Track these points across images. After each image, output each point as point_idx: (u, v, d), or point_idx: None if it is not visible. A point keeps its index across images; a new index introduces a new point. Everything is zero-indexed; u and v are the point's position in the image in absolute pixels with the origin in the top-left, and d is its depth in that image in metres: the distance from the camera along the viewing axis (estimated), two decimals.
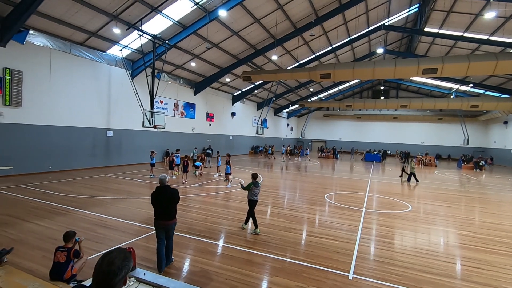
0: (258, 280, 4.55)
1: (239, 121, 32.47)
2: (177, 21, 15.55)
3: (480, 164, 26.23)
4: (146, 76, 16.19)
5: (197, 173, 15.23)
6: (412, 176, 16.33)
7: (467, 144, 32.48)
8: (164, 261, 4.63)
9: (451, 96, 31.91)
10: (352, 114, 44.71)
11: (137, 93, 15.93)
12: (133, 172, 15.82)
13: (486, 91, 28.43)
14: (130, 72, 17.55)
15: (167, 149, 20.49)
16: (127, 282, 2.34)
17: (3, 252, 4.36)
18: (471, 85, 27.40)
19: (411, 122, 42.18)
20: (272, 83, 28.27)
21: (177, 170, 15.41)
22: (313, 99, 40.48)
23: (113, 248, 1.56)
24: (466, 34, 19.11)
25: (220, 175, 15.34)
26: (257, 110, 36.23)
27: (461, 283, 4.69)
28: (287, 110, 44.61)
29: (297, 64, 25.87)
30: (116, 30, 14.59)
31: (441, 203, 11.08)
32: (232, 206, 9.27)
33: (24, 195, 9.45)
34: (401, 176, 17.95)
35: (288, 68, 25.65)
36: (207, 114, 26.71)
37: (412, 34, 24.05)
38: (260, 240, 6.25)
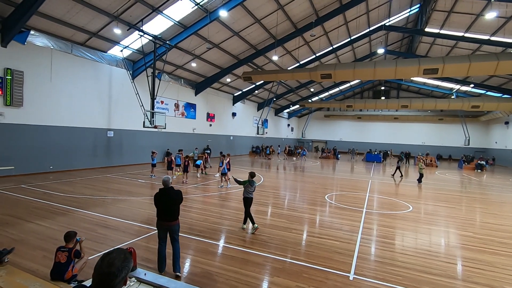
0: (258, 281, 4.55)
1: (240, 122, 32.48)
2: (177, 22, 15.57)
3: (482, 164, 26.17)
4: (147, 77, 16.21)
5: (200, 174, 15.20)
6: (419, 177, 16.20)
7: (468, 144, 32.45)
8: (164, 262, 4.59)
9: (452, 97, 31.87)
10: (353, 115, 44.67)
11: (137, 93, 15.95)
12: (133, 172, 15.83)
13: (487, 91, 28.39)
14: (131, 72, 17.57)
15: (168, 149, 20.51)
16: (128, 282, 2.35)
17: (4, 252, 4.36)
18: (472, 85, 27.37)
19: (412, 123, 42.13)
20: (273, 84, 28.27)
21: (178, 171, 15.44)
22: (313, 99, 40.47)
23: (113, 248, 1.55)
24: (467, 35, 19.09)
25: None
26: (258, 110, 36.24)
27: (462, 284, 4.68)
28: (287, 110, 44.61)
29: (298, 64, 25.87)
30: (117, 31, 14.61)
31: (442, 204, 11.06)
32: (232, 207, 9.27)
33: (25, 195, 9.47)
34: (393, 175, 18.18)
35: (289, 68, 25.66)
36: (208, 114, 26.72)
37: (412, 35, 24.02)
38: (261, 240, 6.25)
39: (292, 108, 43.95)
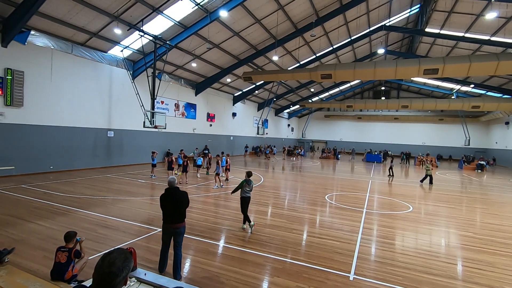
0: (259, 281, 4.55)
1: (240, 122, 32.49)
2: (178, 22, 15.58)
3: (482, 164, 26.15)
4: (147, 77, 16.23)
5: (200, 174, 15.19)
6: (423, 177, 16.09)
7: (468, 144, 32.42)
8: (165, 266, 4.56)
9: (452, 97, 31.86)
10: (353, 115, 44.68)
11: (138, 93, 15.96)
12: (134, 172, 15.84)
13: (487, 91, 28.38)
14: (131, 72, 17.58)
15: (169, 149, 20.52)
16: (128, 282, 2.35)
17: (4, 252, 4.37)
18: (472, 85, 27.36)
19: (412, 123, 42.13)
20: (273, 84, 28.28)
21: (179, 170, 15.45)
22: (314, 99, 40.48)
23: (114, 248, 1.55)
24: (467, 35, 19.09)
25: (222, 176, 15.30)
26: (258, 110, 36.25)
27: (462, 284, 4.68)
28: (288, 110, 44.61)
29: (298, 64, 25.88)
30: (117, 31, 14.62)
31: (442, 204, 11.05)
32: (232, 207, 9.26)
33: (26, 195, 9.47)
34: (390, 175, 18.19)
35: (289, 68, 25.66)
36: (208, 114, 26.73)
37: (413, 35, 24.03)
38: (261, 240, 6.25)
39: (292, 108, 43.96)
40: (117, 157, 17.80)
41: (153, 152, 14.95)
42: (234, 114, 30.99)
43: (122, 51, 16.35)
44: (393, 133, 43.68)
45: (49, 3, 11.73)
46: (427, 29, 20.21)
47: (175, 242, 4.55)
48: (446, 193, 13.55)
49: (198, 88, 24.50)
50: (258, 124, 28.83)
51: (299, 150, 35.29)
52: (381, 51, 25.83)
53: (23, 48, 12.78)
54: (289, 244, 6.11)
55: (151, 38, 15.16)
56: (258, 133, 28.45)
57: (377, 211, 9.43)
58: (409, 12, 21.23)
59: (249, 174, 7.17)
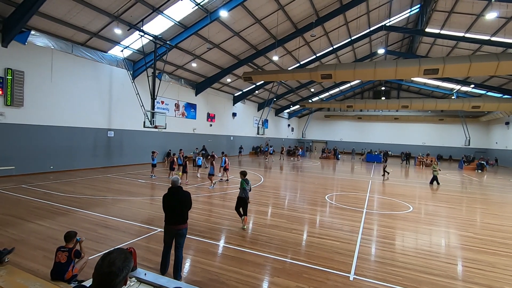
0: (259, 281, 4.55)
1: (240, 122, 32.49)
2: (178, 22, 15.58)
3: (482, 164, 26.15)
4: (147, 77, 16.23)
5: (200, 174, 15.19)
6: (432, 179, 16.00)
7: (469, 145, 32.41)
8: (167, 267, 4.54)
9: (453, 97, 31.85)
10: (353, 115, 44.67)
11: (138, 93, 15.96)
12: (134, 172, 15.84)
13: (487, 91, 28.38)
14: (131, 72, 17.59)
15: (170, 150, 20.53)
16: (128, 282, 2.35)
17: (4, 252, 4.37)
18: (472, 85, 27.36)
19: (412, 123, 42.12)
20: (273, 84, 28.27)
21: (179, 170, 15.45)
22: (314, 99, 40.47)
23: (114, 248, 1.55)
24: (467, 35, 19.09)
25: (218, 175, 15.31)
26: (258, 110, 36.25)
27: (462, 284, 4.67)
28: (288, 110, 44.62)
29: (298, 64, 25.88)
30: (118, 31, 14.63)
31: (442, 204, 11.05)
32: (232, 207, 9.23)
33: (26, 195, 9.48)
34: (383, 175, 18.37)
35: (289, 68, 25.66)
36: (208, 114, 26.73)
37: (413, 35, 24.01)
38: (261, 240, 6.25)
39: (293, 108, 43.96)
40: (117, 157, 17.81)
41: (153, 152, 14.95)
42: (234, 114, 30.99)
43: (122, 51, 16.36)
44: (393, 133, 43.68)
45: (49, 3, 11.73)
46: (427, 29, 20.20)
47: (177, 243, 4.51)
48: (446, 193, 13.54)
49: (198, 88, 24.51)
50: (258, 124, 28.82)
51: (299, 151, 35.23)
52: (381, 51, 25.83)
53: (23, 48, 12.79)
54: (289, 244, 6.11)
55: (151, 38, 15.16)
56: (258, 133, 28.43)
57: (377, 211, 9.43)
58: (409, 12, 21.23)
59: (244, 173, 7.23)
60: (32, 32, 12.96)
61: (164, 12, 14.46)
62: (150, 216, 7.70)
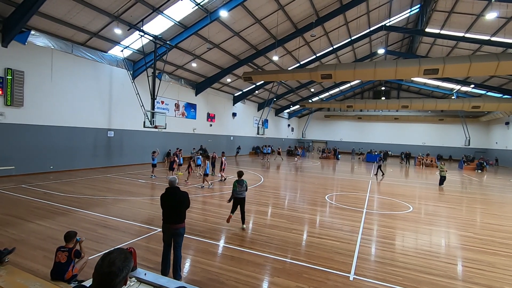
0: (259, 281, 4.55)
1: (240, 122, 32.48)
2: (178, 22, 15.58)
3: (482, 164, 26.16)
4: (147, 77, 16.23)
5: (199, 173, 15.19)
6: (440, 180, 15.77)
7: (469, 145, 32.41)
8: (168, 267, 4.53)
9: (453, 97, 31.86)
10: (353, 115, 44.68)
11: (138, 93, 15.96)
12: (134, 172, 15.84)
13: (487, 91, 28.38)
14: (131, 72, 17.59)
15: (170, 150, 20.52)
16: (128, 282, 2.35)
17: (4, 252, 4.37)
18: (472, 85, 27.37)
19: (412, 123, 42.13)
20: (273, 84, 28.27)
21: (179, 170, 15.48)
22: (314, 99, 40.47)
23: (114, 248, 1.55)
24: (467, 35, 19.09)
25: (223, 176, 15.29)
26: (258, 110, 36.25)
27: (462, 284, 4.68)
28: (288, 110, 44.62)
29: (298, 64, 25.87)
30: (118, 31, 14.62)
31: (442, 204, 11.06)
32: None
33: (26, 195, 9.48)
34: (376, 174, 18.42)
35: (289, 68, 25.66)
36: (208, 114, 26.73)
37: (413, 35, 24.02)
38: (261, 240, 6.25)
39: (293, 108, 43.96)
40: (117, 157, 17.81)
41: (153, 152, 14.97)
42: (234, 114, 30.98)
43: (122, 51, 16.35)
44: (393, 133, 43.69)
45: (49, 3, 11.73)
46: (427, 29, 20.20)
47: (175, 242, 4.53)
48: (446, 193, 13.55)
49: (198, 88, 24.51)
50: (258, 124, 28.81)
51: (299, 151, 35.11)
52: (381, 51, 25.83)
53: (23, 48, 12.79)
54: (289, 244, 6.11)
55: (151, 38, 15.16)
56: (258, 133, 28.42)
57: (377, 211, 9.43)
58: (409, 12, 21.23)
59: (239, 174, 7.11)
60: (32, 32, 12.96)
61: (164, 12, 14.46)
62: (150, 216, 7.71)
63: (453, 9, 17.04)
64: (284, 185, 14.33)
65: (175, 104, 22.40)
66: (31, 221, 6.89)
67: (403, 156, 32.89)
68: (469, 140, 31.92)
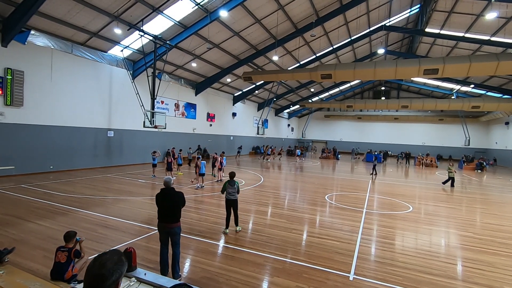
0: (258, 281, 4.55)
1: (240, 122, 32.48)
2: (178, 22, 15.57)
3: (482, 163, 26.16)
4: (147, 77, 16.23)
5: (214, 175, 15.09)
6: (446, 180, 15.66)
7: (468, 145, 32.42)
8: (167, 267, 4.54)
9: (452, 97, 31.86)
10: (353, 115, 44.68)
11: (138, 93, 15.95)
12: (134, 172, 15.84)
13: (487, 91, 28.38)
14: (131, 72, 17.58)
15: (168, 149, 20.48)
16: (128, 282, 2.35)
17: (4, 252, 4.37)
18: (472, 85, 27.37)
19: (412, 123, 42.13)
20: (273, 84, 28.27)
21: (179, 170, 15.46)
22: (314, 99, 40.47)
23: (109, 249, 1.51)
24: (467, 35, 19.09)
25: (224, 176, 15.27)
26: (258, 110, 36.24)
27: (462, 284, 4.68)
28: (288, 110, 44.61)
29: (298, 64, 25.87)
30: (117, 31, 14.62)
31: (442, 204, 11.06)
32: None
33: (26, 195, 9.47)
34: (372, 173, 18.48)
35: (289, 68, 25.65)
36: (208, 114, 26.73)
37: (413, 35, 24.02)
38: (261, 240, 6.25)
39: (292, 108, 43.96)
40: (117, 157, 17.80)
41: (154, 152, 14.97)
42: (234, 114, 30.98)
43: (122, 51, 16.35)
44: (393, 133, 43.69)
45: (49, 3, 11.73)
46: (427, 29, 20.20)
47: (172, 241, 4.58)
48: (446, 193, 13.56)
49: (198, 88, 24.50)
50: (258, 124, 28.79)
51: (300, 151, 34.98)
52: (381, 51, 25.83)
53: (23, 48, 12.78)
54: (289, 244, 6.11)
55: (151, 38, 15.15)
56: (258, 133, 28.41)
57: (377, 211, 9.43)
58: (409, 12, 21.23)
59: (231, 175, 6.86)
60: (32, 32, 12.96)
61: (164, 12, 14.46)
62: (150, 216, 7.70)
63: (453, 9, 17.04)
64: (284, 185, 14.32)
65: (175, 104, 22.40)
66: (31, 221, 6.89)
67: (399, 156, 33.03)
68: (469, 140, 31.93)
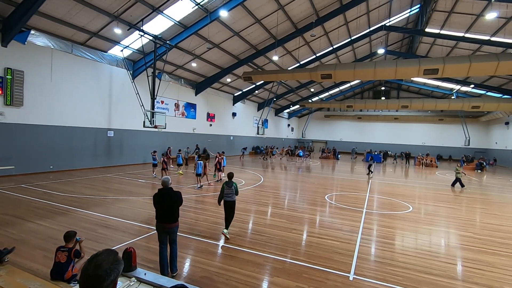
0: (258, 281, 4.55)
1: (240, 122, 32.48)
2: (178, 22, 15.57)
3: (482, 163, 26.17)
4: (147, 76, 16.22)
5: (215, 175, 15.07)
6: (457, 181, 15.44)
7: (468, 145, 32.43)
8: (167, 266, 4.55)
9: (452, 97, 31.86)
10: (353, 115, 44.67)
11: (138, 93, 15.95)
12: (134, 172, 15.84)
13: (487, 91, 28.38)
14: (131, 72, 17.58)
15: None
16: (128, 282, 2.35)
17: (4, 252, 4.37)
18: (472, 85, 27.37)
19: (412, 123, 42.12)
20: (273, 84, 28.26)
21: (179, 169, 15.47)
22: (314, 99, 40.46)
23: (103, 249, 1.44)
24: (467, 35, 19.09)
25: (224, 176, 15.27)
26: (258, 110, 36.23)
27: (462, 284, 4.68)
28: (288, 110, 44.61)
29: (298, 64, 25.87)
30: (117, 31, 14.62)
31: (442, 204, 11.06)
32: None
33: (26, 195, 9.47)
34: (368, 173, 18.49)
35: (289, 68, 25.65)
36: (208, 114, 26.73)
37: (413, 35, 24.02)
38: (261, 240, 6.24)
39: (292, 108, 43.95)
40: (117, 157, 17.80)
41: (154, 152, 14.98)
42: (234, 114, 30.98)
43: (122, 50, 16.34)
44: (393, 133, 43.68)
45: (49, 3, 11.73)
46: (427, 29, 20.20)
47: (170, 239, 4.65)
48: (446, 193, 13.55)
49: (198, 88, 24.50)
50: (258, 124, 28.79)
51: (302, 152, 34.80)
52: (381, 51, 25.83)
53: (23, 48, 12.78)
54: (289, 244, 6.11)
55: (151, 38, 15.15)
56: (258, 133, 28.40)
57: (377, 211, 9.43)
58: (409, 12, 21.23)
59: (229, 175, 6.68)
60: (32, 31, 12.95)
61: (164, 12, 14.45)
62: (150, 216, 7.69)
63: (453, 9, 17.04)
64: (284, 185, 14.32)
65: (175, 104, 22.40)
66: (31, 221, 6.89)
67: (396, 155, 33.10)
68: (468, 140, 31.93)
